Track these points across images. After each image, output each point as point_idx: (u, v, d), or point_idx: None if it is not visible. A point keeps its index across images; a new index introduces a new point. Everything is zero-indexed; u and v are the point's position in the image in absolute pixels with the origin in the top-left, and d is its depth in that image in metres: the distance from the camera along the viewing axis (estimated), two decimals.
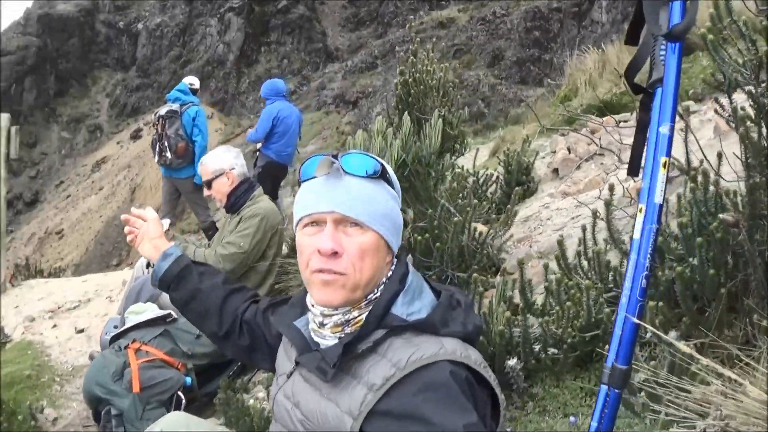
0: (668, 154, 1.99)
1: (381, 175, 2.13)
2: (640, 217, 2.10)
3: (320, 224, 2.08)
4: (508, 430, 3.07)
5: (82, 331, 7.29)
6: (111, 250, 45.90)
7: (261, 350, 2.67)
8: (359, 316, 2.11)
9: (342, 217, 2.04)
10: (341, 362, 2.00)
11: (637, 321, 2.06)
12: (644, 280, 2.02)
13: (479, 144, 14.32)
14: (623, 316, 2.12)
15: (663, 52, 2.10)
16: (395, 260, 2.21)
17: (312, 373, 2.12)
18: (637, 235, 2.10)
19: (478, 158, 7.08)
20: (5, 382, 5.67)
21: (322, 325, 2.16)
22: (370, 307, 2.09)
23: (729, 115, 3.31)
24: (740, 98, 3.31)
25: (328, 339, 2.15)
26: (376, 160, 2.13)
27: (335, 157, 2.09)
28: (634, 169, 2.34)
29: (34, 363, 6.19)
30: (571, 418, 3.15)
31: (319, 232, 2.08)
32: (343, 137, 46.03)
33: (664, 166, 1.99)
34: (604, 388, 2.18)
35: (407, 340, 2.00)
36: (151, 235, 2.81)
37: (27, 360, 6.25)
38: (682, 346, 2.17)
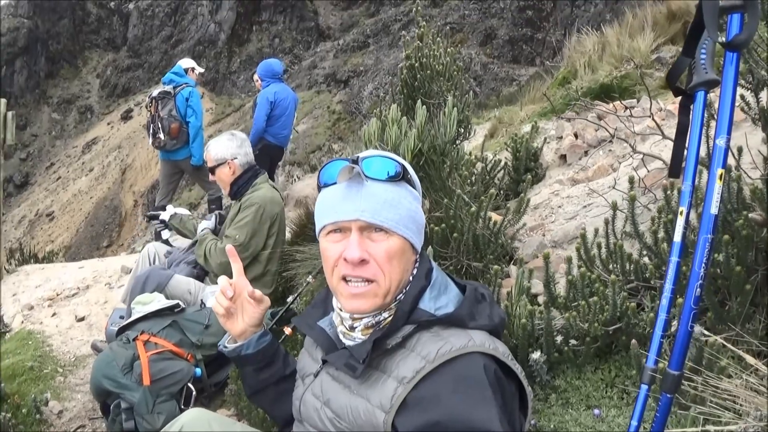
0: (724, 166, 1.96)
1: (402, 176, 2.12)
2: (680, 220, 2.11)
3: (344, 231, 2.08)
4: (532, 422, 3.08)
5: (82, 319, 7.24)
6: (101, 232, 45.93)
7: None
8: (389, 316, 2.11)
9: (367, 225, 2.03)
10: (370, 358, 2.01)
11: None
12: (699, 289, 2.01)
13: (474, 124, 14.25)
14: (663, 317, 2.14)
15: (704, 57, 2.11)
16: (418, 257, 2.21)
17: (341, 371, 2.12)
18: (677, 238, 2.11)
19: (475, 139, 7.01)
20: (7, 375, 5.61)
21: (352, 328, 2.16)
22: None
23: (756, 114, 3.28)
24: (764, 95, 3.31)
25: (358, 340, 2.15)
26: (397, 160, 2.12)
27: (355, 162, 2.07)
28: (675, 172, 2.33)
29: (35, 354, 6.12)
30: (595, 411, 3.16)
31: (344, 239, 2.07)
32: (335, 116, 46.09)
33: (721, 178, 1.97)
34: (644, 387, 2.20)
35: (435, 333, 2.00)
36: (254, 323, 2.49)
37: (28, 350, 6.18)
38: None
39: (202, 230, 5.89)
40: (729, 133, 1.97)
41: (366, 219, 2.02)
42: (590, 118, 6.89)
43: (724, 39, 2.01)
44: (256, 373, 2.59)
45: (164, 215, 6.34)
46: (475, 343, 1.94)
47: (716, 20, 2.01)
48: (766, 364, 2.66)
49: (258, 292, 2.43)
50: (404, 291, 2.12)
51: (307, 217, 6.86)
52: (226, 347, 2.56)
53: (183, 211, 6.41)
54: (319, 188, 2.21)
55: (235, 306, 2.44)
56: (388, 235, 2.05)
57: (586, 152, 7.12)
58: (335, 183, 2.10)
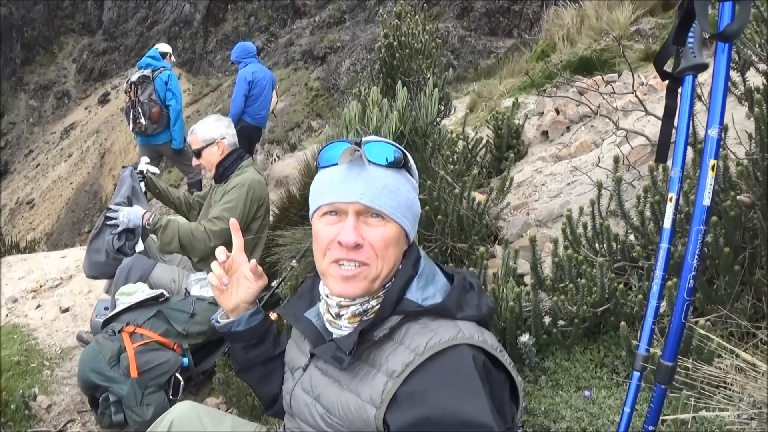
0: (716, 156, 1.95)
1: (403, 164, 2.10)
2: (670, 206, 2.10)
3: (340, 214, 2.04)
4: (523, 404, 3.07)
5: (66, 310, 7.17)
6: (82, 217, 45.61)
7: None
8: (377, 305, 2.08)
9: (364, 208, 2.00)
10: (358, 351, 1.99)
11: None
12: (692, 281, 2.02)
13: (453, 99, 14.23)
14: (654, 304, 2.14)
15: (691, 41, 2.10)
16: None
17: (329, 364, 2.10)
18: (667, 225, 2.11)
19: (455, 115, 6.93)
20: None
21: (338, 315, 2.13)
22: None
23: (741, 93, 3.26)
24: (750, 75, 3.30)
25: (344, 329, 2.13)
26: (399, 148, 2.09)
27: (358, 144, 2.03)
28: (662, 156, 2.31)
29: (21, 348, 6.05)
30: (586, 393, 3.15)
31: (339, 222, 2.04)
32: (312, 93, 45.87)
33: (713, 169, 1.97)
34: (636, 374, 2.20)
35: (424, 325, 1.98)
36: (248, 299, 2.45)
37: (14, 345, 6.11)
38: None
39: (150, 217, 5.48)
40: (721, 123, 1.96)
41: (365, 202, 1.99)
42: (571, 94, 6.87)
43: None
44: (245, 351, 2.57)
45: (141, 166, 6.07)
46: (464, 335, 1.92)
47: (708, 10, 2.00)
48: (755, 345, 2.67)
49: (260, 268, 2.40)
50: (393, 280, 2.09)
51: (289, 200, 6.80)
52: (218, 322, 2.53)
53: (153, 169, 6.18)
54: (317, 169, 2.18)
55: (230, 280, 2.41)
56: (384, 222, 2.02)
57: (568, 128, 7.10)
58: (335, 164, 2.08)
